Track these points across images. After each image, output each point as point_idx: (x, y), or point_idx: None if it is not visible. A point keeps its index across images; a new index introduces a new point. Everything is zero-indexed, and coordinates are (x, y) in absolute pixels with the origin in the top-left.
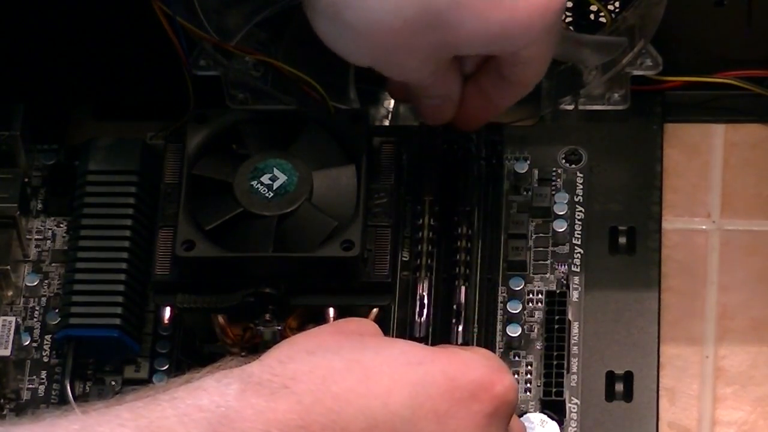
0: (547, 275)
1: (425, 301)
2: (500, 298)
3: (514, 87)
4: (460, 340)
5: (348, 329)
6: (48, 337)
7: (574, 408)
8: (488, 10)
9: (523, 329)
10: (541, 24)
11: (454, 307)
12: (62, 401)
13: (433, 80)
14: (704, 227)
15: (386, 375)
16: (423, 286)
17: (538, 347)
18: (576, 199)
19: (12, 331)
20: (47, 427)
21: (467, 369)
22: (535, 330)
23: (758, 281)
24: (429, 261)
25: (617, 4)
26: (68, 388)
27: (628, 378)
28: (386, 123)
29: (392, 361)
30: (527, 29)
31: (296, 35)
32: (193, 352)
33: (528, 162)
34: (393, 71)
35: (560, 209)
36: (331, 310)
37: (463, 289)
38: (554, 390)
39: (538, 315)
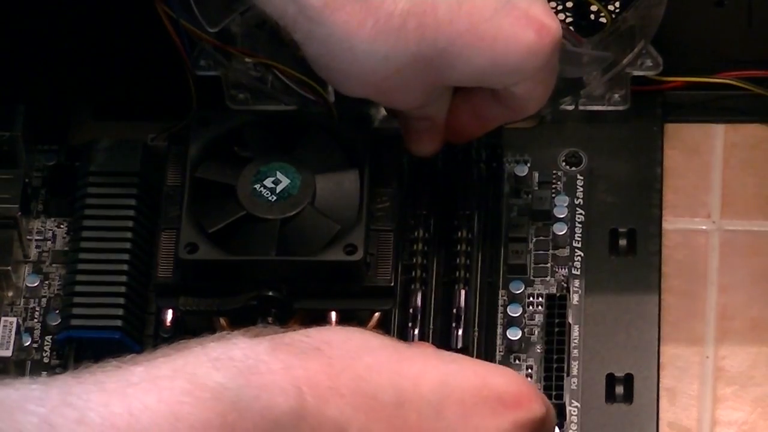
0: (548, 278)
1: (419, 312)
2: (500, 302)
3: (510, 113)
4: (459, 344)
5: None
6: (48, 338)
7: (574, 411)
8: (479, 55)
9: (523, 332)
10: (533, 64)
11: (454, 310)
12: None
13: (424, 106)
14: (704, 227)
15: (419, 361)
16: (417, 297)
17: (538, 350)
18: (576, 202)
19: (13, 332)
20: (83, 371)
21: (501, 377)
22: (536, 333)
23: (758, 281)
24: (423, 274)
25: (617, 4)
26: None
27: (628, 380)
28: (388, 125)
29: (426, 353)
30: (519, 70)
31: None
32: None
33: (528, 165)
34: (386, 103)
35: (560, 212)
36: (334, 314)
37: (462, 292)
38: (554, 393)
39: (539, 318)
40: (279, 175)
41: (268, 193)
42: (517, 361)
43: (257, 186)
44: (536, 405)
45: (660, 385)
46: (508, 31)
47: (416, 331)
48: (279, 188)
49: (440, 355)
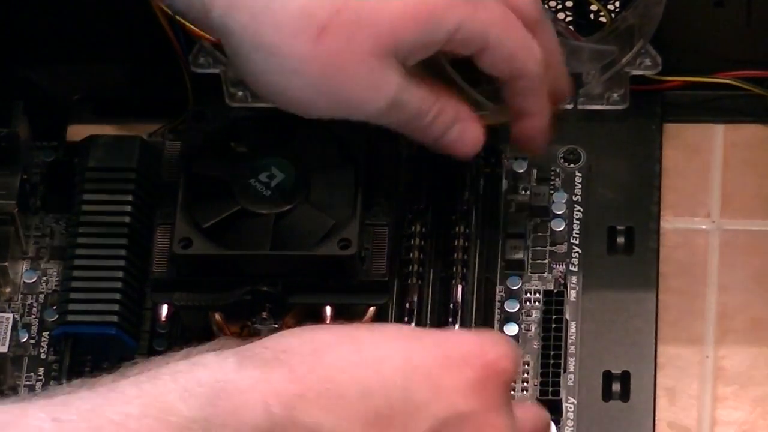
0: (545, 274)
1: (415, 307)
2: (498, 297)
3: (512, 75)
4: None
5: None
6: (45, 333)
7: (570, 407)
8: None
9: (520, 328)
10: None
11: (451, 306)
12: None
13: (411, 94)
14: (704, 227)
15: (378, 346)
16: (414, 292)
17: (535, 346)
18: (574, 199)
19: (9, 328)
20: (60, 406)
21: (459, 340)
22: (533, 329)
23: (758, 281)
24: (420, 269)
25: (617, 3)
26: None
27: (625, 378)
28: None
29: (385, 334)
30: (451, 2)
31: None
32: None
33: (527, 161)
34: (360, 102)
35: (558, 209)
36: (329, 309)
37: (460, 288)
38: (551, 389)
39: (536, 314)
40: (274, 170)
41: (262, 188)
42: None
43: (252, 181)
44: (499, 350)
45: (660, 385)
46: None
47: (412, 326)
48: (274, 183)
49: (401, 333)
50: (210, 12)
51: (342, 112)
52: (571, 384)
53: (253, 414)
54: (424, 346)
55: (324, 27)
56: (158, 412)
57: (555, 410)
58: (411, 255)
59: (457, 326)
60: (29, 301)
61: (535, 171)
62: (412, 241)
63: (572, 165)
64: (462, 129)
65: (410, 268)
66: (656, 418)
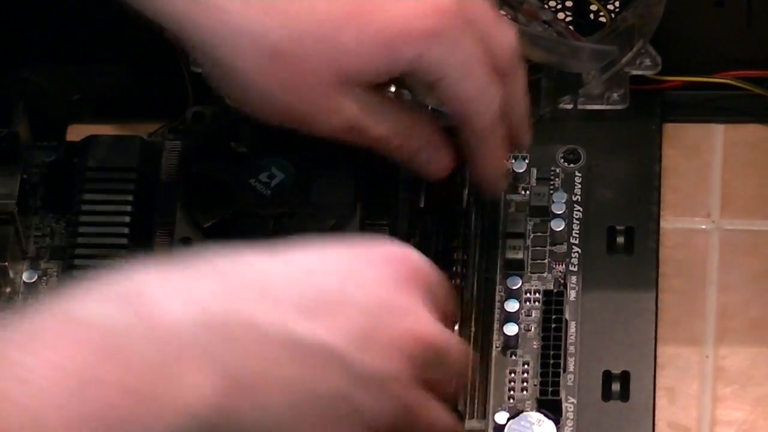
0: (545, 274)
1: None
2: (497, 297)
3: (461, 116)
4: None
5: None
6: None
7: (570, 407)
8: (358, 23)
9: (520, 328)
10: (423, 27)
11: None
12: None
13: (372, 121)
14: (704, 227)
15: (309, 254)
16: None
17: (535, 346)
18: (574, 199)
19: None
20: None
21: (384, 245)
22: (533, 329)
23: (758, 281)
24: None
25: (617, 3)
26: None
27: (624, 378)
28: None
29: (314, 247)
30: (407, 33)
31: None
32: None
33: (527, 161)
34: (316, 121)
35: (558, 208)
36: None
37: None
38: (551, 389)
39: (536, 314)
40: (274, 170)
41: (262, 188)
42: (513, 357)
43: (252, 181)
44: (419, 262)
45: (659, 385)
46: None
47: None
48: (273, 183)
49: (330, 244)
50: (182, 29)
51: (301, 127)
52: (571, 384)
53: (184, 312)
54: (350, 251)
55: (276, 50)
56: (70, 313)
57: (555, 410)
58: None
59: (456, 327)
60: (29, 302)
61: (535, 171)
62: (412, 241)
63: (572, 165)
64: (429, 157)
65: None
66: (656, 418)
